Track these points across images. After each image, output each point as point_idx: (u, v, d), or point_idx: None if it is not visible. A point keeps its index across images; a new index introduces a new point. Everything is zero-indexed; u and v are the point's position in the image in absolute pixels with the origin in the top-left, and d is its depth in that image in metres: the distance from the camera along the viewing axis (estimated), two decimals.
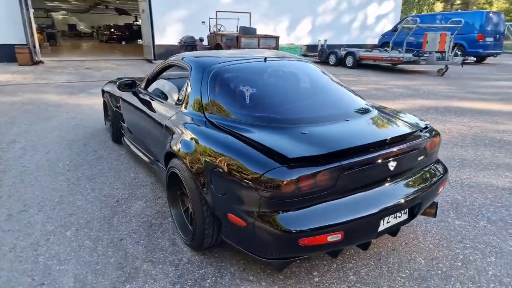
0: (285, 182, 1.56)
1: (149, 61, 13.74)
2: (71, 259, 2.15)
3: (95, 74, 10.00)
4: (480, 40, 12.52)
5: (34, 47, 11.29)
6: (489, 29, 12.71)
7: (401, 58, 10.06)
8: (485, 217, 2.61)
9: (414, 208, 1.92)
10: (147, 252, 2.22)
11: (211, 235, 2.04)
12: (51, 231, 2.43)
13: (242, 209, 1.73)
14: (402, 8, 18.74)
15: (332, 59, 12.59)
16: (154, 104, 2.81)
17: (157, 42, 13.40)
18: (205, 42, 12.20)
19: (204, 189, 1.92)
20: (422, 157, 2.01)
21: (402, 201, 1.81)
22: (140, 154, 3.22)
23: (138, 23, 34.22)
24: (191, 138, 2.08)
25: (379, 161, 1.76)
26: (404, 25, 10.91)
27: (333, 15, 17.15)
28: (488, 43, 12.80)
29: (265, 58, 2.69)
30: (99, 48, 21.52)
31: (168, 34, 13.84)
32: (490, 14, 12.98)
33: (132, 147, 3.46)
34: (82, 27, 35.11)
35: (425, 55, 9.89)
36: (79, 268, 2.06)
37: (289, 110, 2.19)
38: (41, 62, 11.60)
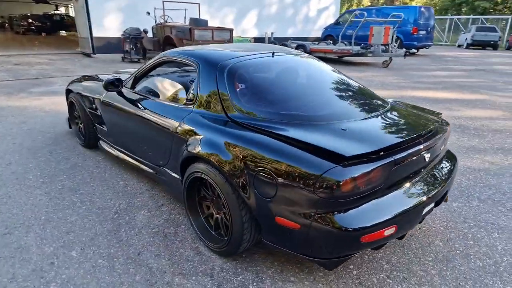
0: (344, 182, 1.55)
1: (87, 55, 12.72)
2: (89, 283, 1.92)
3: (30, 71, 9.00)
4: (415, 33, 13.63)
5: None
6: (421, 23, 13.89)
7: (351, 51, 10.56)
8: (475, 197, 2.88)
9: (445, 195, 2.04)
10: (173, 265, 2.07)
11: (248, 240, 1.96)
12: (52, 254, 2.15)
13: (295, 211, 1.68)
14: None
15: None
16: (153, 105, 2.59)
17: (95, 34, 12.41)
18: (150, 34, 11.60)
19: (245, 193, 1.83)
20: (443, 146, 2.14)
21: (439, 188, 1.92)
22: (132, 161, 2.98)
23: (59, 12, 31.30)
24: (222, 141, 1.96)
25: (421, 153, 1.84)
26: (352, 19, 11.43)
27: (278, 8, 17.40)
28: (421, 36, 13.99)
29: (273, 53, 2.63)
30: (18, 41, 19.35)
31: (107, 26, 12.92)
32: (422, 9, 14.18)
33: (117, 152, 3.18)
34: None
35: (372, 48, 10.50)
36: None
37: (313, 106, 2.17)
38: None
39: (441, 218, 2.57)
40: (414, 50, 14.41)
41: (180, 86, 2.68)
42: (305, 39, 17.85)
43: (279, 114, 2.05)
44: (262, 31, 16.88)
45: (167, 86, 2.78)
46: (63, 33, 26.80)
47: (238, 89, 2.20)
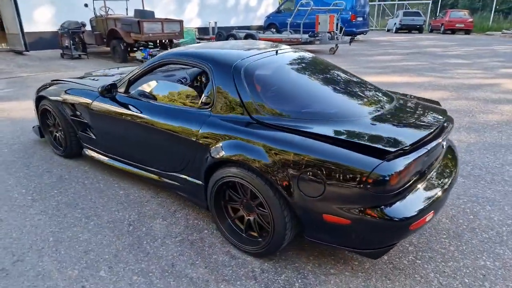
0: (393, 175, 1.67)
1: (19, 52, 11.46)
2: None
3: None
4: (353, 20, 14.37)
5: None
6: (358, 10, 14.67)
7: (300, 39, 10.84)
8: (459, 174, 3.23)
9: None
10: (212, 272, 2.06)
11: (288, 239, 2.02)
12: (79, 277, 2.01)
13: (345, 208, 1.77)
14: None
15: None
16: (161, 110, 2.48)
17: (26, 29, 11.19)
18: (87, 28, 10.78)
19: (288, 194, 1.88)
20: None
21: (454, 172, 2.14)
22: (132, 169, 2.84)
23: None
24: (256, 144, 1.98)
25: (443, 142, 2.03)
26: (299, 7, 11.67)
27: None
28: (359, 22, 14.80)
29: (277, 51, 2.66)
30: None
31: (39, 20, 11.74)
32: None
33: (111, 161, 3.00)
34: None
35: (319, 36, 10.89)
36: None
37: (330, 103, 2.24)
38: None
39: None
40: (359, 36, 15.22)
41: (191, 90, 2.60)
42: (248, 27, 17.90)
43: (300, 112, 2.10)
44: (205, 21, 16.55)
45: (175, 90, 2.67)
46: None
47: (259, 90, 2.21)
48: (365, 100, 2.34)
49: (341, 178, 1.74)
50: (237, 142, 2.06)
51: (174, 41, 10.05)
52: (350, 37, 11.85)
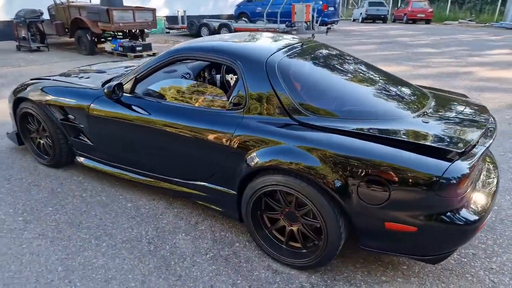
0: (462, 178, 1.54)
1: None
2: None
3: None
4: (325, 10, 14.35)
5: None
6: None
7: (277, 29, 10.63)
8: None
9: None
10: None
11: (340, 248, 1.85)
12: None
13: (411, 214, 1.62)
14: None
15: (204, 32, 12.22)
16: (181, 112, 2.18)
17: None
18: (45, 16, 9.86)
19: (346, 202, 1.70)
20: None
21: (497, 172, 2.08)
22: (141, 178, 2.53)
23: None
24: (306, 148, 1.76)
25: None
26: None
27: None
28: (330, 12, 14.82)
29: (302, 44, 2.44)
30: None
31: None
32: None
33: (113, 169, 2.66)
34: None
35: (296, 26, 10.73)
36: None
37: (370, 100, 2.05)
38: None
39: None
40: (335, 26, 15.24)
41: (213, 88, 2.32)
42: (219, 16, 17.43)
43: (343, 111, 1.91)
44: (173, 9, 15.84)
45: (197, 89, 2.38)
46: None
47: (298, 88, 1.99)
48: (402, 96, 2.18)
49: (408, 183, 1.58)
50: (282, 147, 1.83)
51: (146, 31, 9.47)
52: (326, 26, 11.80)
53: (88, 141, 2.72)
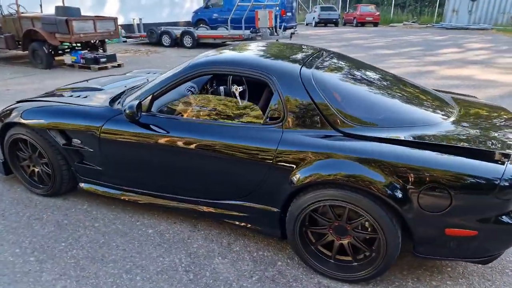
0: None
1: None
2: None
3: None
4: (284, 15, 14.60)
5: None
6: (287, 5, 14.95)
7: (242, 35, 10.62)
8: None
9: None
10: None
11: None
12: None
13: (472, 219, 1.67)
14: None
15: (166, 40, 11.88)
16: (209, 130, 2.08)
17: None
18: None
19: (406, 212, 1.71)
20: None
21: None
22: (162, 201, 2.37)
23: None
24: (360, 160, 1.75)
25: None
26: (239, 3, 11.35)
27: None
28: (288, 17, 15.11)
29: (322, 52, 2.43)
30: None
31: None
32: None
33: (130, 195, 2.47)
34: None
35: (260, 31, 10.80)
36: None
37: (399, 107, 2.05)
38: None
39: None
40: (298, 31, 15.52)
41: (250, 103, 2.22)
42: (175, 24, 17.05)
43: (378, 119, 1.93)
44: (128, 17, 15.23)
45: (215, 104, 2.27)
46: None
47: (339, 99, 1.97)
48: (430, 102, 2.25)
49: (469, 188, 1.63)
50: (334, 160, 1.80)
51: (107, 41, 9.00)
52: (290, 31, 12.00)
53: (95, 165, 2.49)
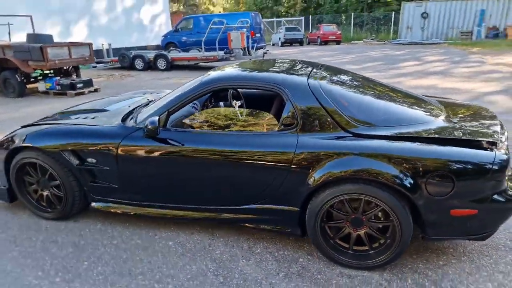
0: (506, 161, 1.89)
1: None
2: None
3: None
4: (253, 36, 15.10)
5: None
6: (256, 26, 15.51)
7: (217, 57, 10.88)
8: None
9: None
10: None
11: None
12: None
13: (471, 199, 1.91)
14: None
15: (139, 64, 11.91)
16: (228, 140, 2.23)
17: None
18: None
19: (417, 199, 1.93)
20: None
21: None
22: (179, 212, 2.47)
23: None
24: (373, 156, 1.96)
25: None
26: (212, 26, 11.65)
27: (110, 18, 15.91)
28: (257, 38, 15.64)
29: (320, 66, 2.68)
30: None
31: None
32: (252, 14, 15.83)
33: (148, 210, 2.54)
34: None
35: (234, 52, 11.13)
36: None
37: (395, 109, 2.30)
38: None
39: None
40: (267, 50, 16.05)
41: (265, 113, 2.40)
42: (145, 47, 17.11)
43: (379, 120, 2.17)
44: (96, 42, 15.10)
45: (227, 115, 2.42)
46: None
47: (346, 104, 2.20)
48: (418, 104, 2.53)
49: (468, 173, 1.89)
50: (349, 158, 2.01)
51: (83, 66, 8.92)
52: (263, 51, 12.43)
53: (111, 183, 2.55)
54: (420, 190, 1.93)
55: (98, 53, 14.93)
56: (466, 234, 2.04)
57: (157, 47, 17.37)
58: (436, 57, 13.60)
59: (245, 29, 12.04)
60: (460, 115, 2.42)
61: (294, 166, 2.11)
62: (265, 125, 2.38)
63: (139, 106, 2.99)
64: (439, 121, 2.23)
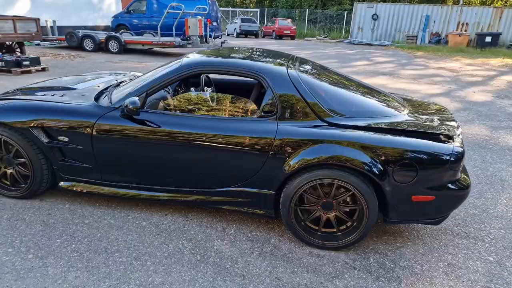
0: (462, 153, 2.17)
1: None
2: None
3: None
4: (210, 24, 14.92)
5: None
6: (213, 15, 15.32)
7: (173, 42, 10.63)
8: None
9: None
10: (317, 273, 2.17)
11: None
12: None
13: (430, 186, 2.17)
14: None
15: (88, 45, 11.24)
16: (208, 124, 2.31)
17: None
18: None
19: (385, 185, 2.16)
20: None
21: None
22: (157, 194, 2.50)
23: None
24: (349, 144, 2.16)
25: None
26: (169, 10, 11.26)
27: None
28: (214, 27, 15.47)
29: (294, 58, 2.84)
30: None
31: None
32: (210, 1, 15.56)
33: (120, 190, 2.53)
34: None
35: (192, 39, 10.95)
36: None
37: (364, 102, 2.52)
38: None
39: None
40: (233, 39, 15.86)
41: (245, 99, 2.48)
42: (92, 28, 16.13)
43: (351, 111, 2.39)
44: (40, 18, 13.96)
45: (211, 100, 2.49)
46: None
47: (323, 94, 2.38)
48: (385, 99, 2.77)
49: (429, 162, 2.14)
50: (325, 145, 2.19)
51: (26, 43, 8.24)
52: (221, 40, 12.34)
53: (83, 163, 2.50)
54: (388, 177, 2.16)
55: (42, 30, 13.84)
56: (424, 218, 2.31)
57: (105, 28, 16.48)
58: (385, 59, 14.54)
59: (202, 16, 11.87)
60: (421, 111, 2.72)
61: (272, 152, 2.25)
62: (244, 110, 2.49)
63: (110, 86, 2.93)
64: (404, 115, 2.49)
